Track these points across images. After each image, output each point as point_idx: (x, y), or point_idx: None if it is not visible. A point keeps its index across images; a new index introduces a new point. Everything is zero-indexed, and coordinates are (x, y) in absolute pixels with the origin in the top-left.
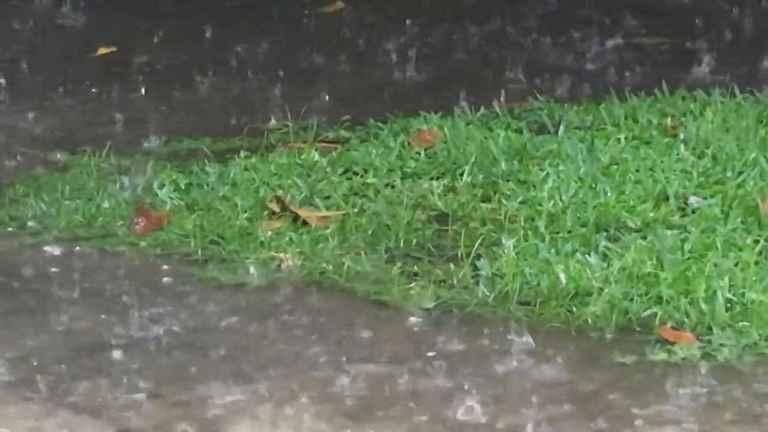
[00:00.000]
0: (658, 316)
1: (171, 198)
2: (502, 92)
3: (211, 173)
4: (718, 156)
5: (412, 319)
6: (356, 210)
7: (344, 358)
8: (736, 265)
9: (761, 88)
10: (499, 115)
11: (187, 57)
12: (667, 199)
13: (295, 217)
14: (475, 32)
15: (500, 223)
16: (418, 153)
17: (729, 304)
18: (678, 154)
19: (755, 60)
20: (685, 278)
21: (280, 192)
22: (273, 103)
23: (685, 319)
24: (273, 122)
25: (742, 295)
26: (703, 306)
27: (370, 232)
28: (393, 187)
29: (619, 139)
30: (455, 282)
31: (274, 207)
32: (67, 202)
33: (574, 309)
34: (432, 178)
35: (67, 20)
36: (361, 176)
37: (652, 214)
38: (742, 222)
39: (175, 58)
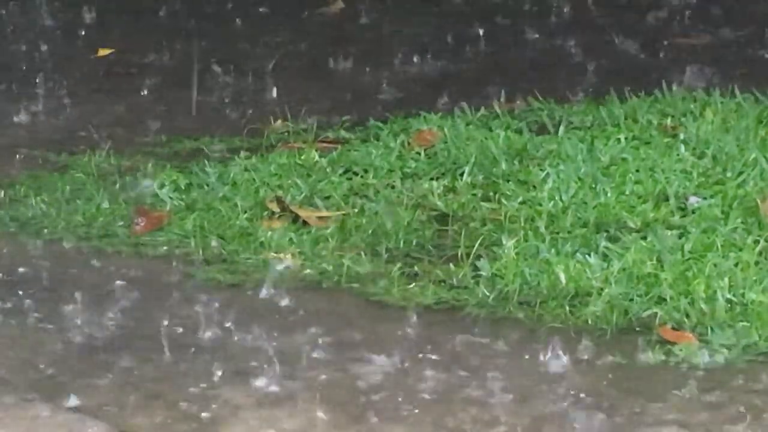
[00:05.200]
0: (658, 316)
1: (171, 198)
2: (502, 92)
3: (211, 173)
4: (718, 156)
5: (412, 320)
6: (356, 210)
7: (344, 359)
8: (736, 265)
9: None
10: (499, 115)
11: (186, 57)
12: (667, 199)
13: (295, 218)
14: (477, 31)
15: (500, 224)
16: (418, 153)
17: (729, 304)
18: (678, 155)
19: None
20: (685, 278)
21: (280, 192)
22: (273, 103)
23: (685, 319)
24: (279, 123)
25: (742, 295)
26: (703, 306)
27: (370, 232)
28: (393, 187)
29: (619, 139)
30: (455, 282)
31: (274, 207)
32: (67, 202)
33: (574, 309)
34: (432, 179)
35: (67, 21)
36: (361, 176)
37: (652, 214)
38: (742, 222)
39: (175, 59)
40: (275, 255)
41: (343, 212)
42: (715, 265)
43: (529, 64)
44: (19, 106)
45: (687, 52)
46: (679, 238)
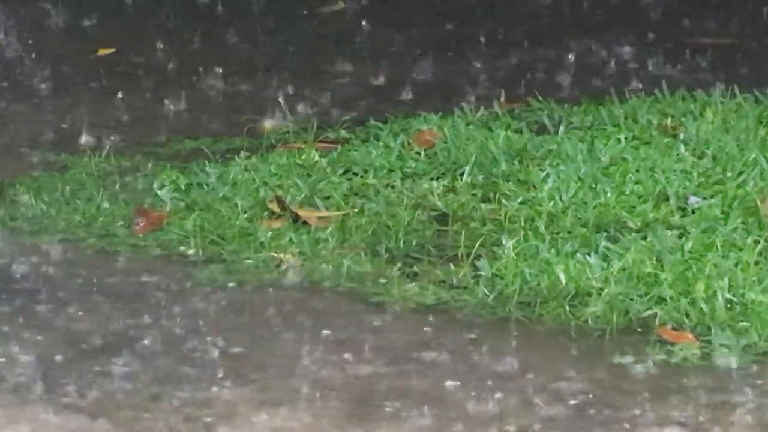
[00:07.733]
0: (658, 317)
1: (171, 198)
2: (502, 92)
3: (211, 173)
4: (718, 156)
5: (412, 320)
6: (356, 210)
7: (344, 359)
8: (736, 265)
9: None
10: (499, 116)
11: (186, 57)
12: (667, 199)
13: (295, 218)
14: (477, 32)
15: (500, 224)
16: (418, 153)
17: (729, 305)
18: (678, 155)
19: None
20: (685, 278)
21: (280, 192)
22: (273, 103)
23: (685, 320)
24: (270, 123)
25: (742, 295)
26: (703, 306)
27: (370, 232)
28: (393, 187)
29: (619, 139)
30: (455, 282)
31: (274, 207)
32: (67, 202)
33: (574, 309)
34: (432, 179)
35: (67, 20)
36: (361, 176)
37: (652, 214)
38: (742, 222)
39: (175, 59)
40: (275, 255)
41: (343, 212)
42: (715, 265)
43: (531, 65)
44: (19, 106)
45: (687, 52)
46: (679, 238)
